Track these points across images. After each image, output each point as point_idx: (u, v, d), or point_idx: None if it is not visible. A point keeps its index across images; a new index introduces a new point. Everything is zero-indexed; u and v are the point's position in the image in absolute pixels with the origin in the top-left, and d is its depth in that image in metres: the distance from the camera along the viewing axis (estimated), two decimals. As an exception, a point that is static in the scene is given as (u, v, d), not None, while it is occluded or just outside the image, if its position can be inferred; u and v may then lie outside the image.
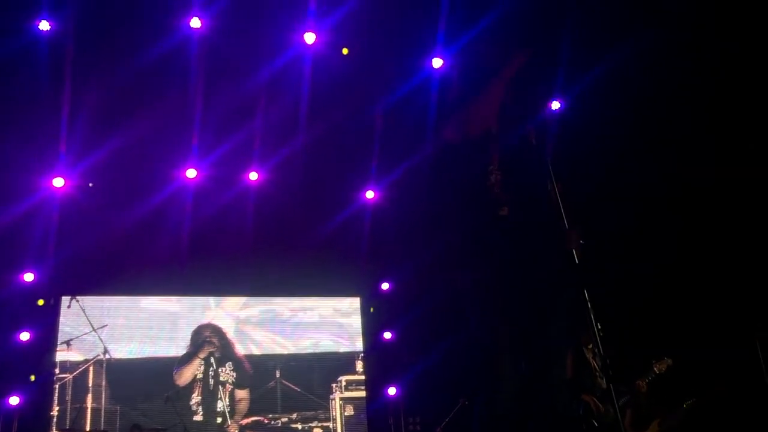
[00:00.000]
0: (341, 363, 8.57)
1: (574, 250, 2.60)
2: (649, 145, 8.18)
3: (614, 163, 8.22)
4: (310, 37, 6.74)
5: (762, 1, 6.42)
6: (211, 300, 8.24)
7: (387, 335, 8.57)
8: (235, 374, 6.18)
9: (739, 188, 8.21)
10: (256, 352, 8.10)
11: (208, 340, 5.94)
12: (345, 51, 6.92)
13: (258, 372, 7.87)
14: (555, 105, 7.77)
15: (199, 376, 5.82)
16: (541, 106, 3.00)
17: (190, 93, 6.74)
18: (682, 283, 8.35)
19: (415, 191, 7.88)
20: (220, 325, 6.22)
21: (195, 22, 6.35)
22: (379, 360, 8.64)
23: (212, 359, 5.96)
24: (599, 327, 6.60)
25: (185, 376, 5.83)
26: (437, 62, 6.87)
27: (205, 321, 6.17)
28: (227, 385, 7.13)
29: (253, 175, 8.05)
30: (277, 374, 7.91)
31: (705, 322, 8.17)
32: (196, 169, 7.71)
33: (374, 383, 8.51)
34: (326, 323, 8.78)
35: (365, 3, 6.33)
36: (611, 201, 8.71)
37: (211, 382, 5.84)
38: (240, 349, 7.83)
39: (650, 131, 8.03)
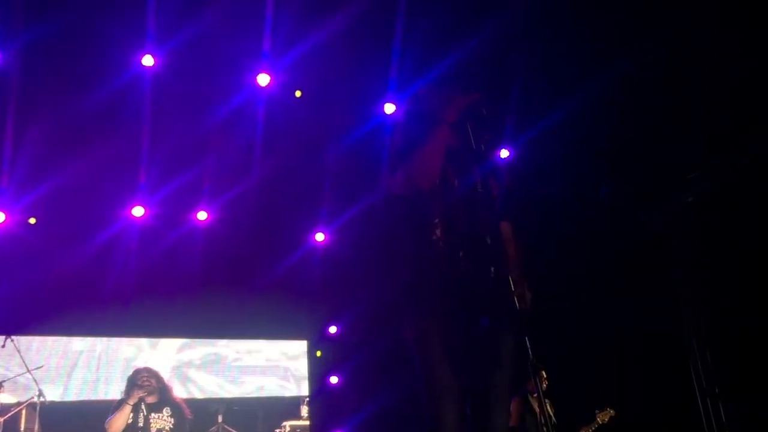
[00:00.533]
0: (286, 407, 8.42)
1: (518, 300, 2.61)
2: (598, 194, 8.40)
3: (563, 211, 8.40)
4: (263, 79, 6.74)
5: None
6: (151, 341, 8.04)
7: (333, 379, 8.46)
8: (172, 420, 5.97)
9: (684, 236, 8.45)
10: (198, 395, 7.90)
11: (144, 384, 5.73)
12: (298, 93, 6.94)
13: (199, 417, 7.65)
14: (504, 153, 7.91)
15: (132, 423, 5.60)
16: (489, 155, 3.02)
17: (140, 130, 6.65)
18: (628, 335, 8.52)
19: (366, 236, 7.89)
20: (157, 368, 6.04)
21: (147, 60, 6.29)
22: (325, 404, 8.51)
23: (143, 405, 5.75)
24: (545, 376, 6.65)
25: (117, 423, 5.61)
26: (390, 108, 6.94)
27: (142, 364, 6.00)
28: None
29: (202, 215, 7.94)
30: (219, 419, 7.71)
31: (650, 375, 8.33)
32: (143, 207, 7.56)
33: (320, 428, 8.36)
34: (272, 366, 8.64)
35: (320, 47, 6.37)
36: (560, 251, 8.88)
37: (144, 430, 5.64)
38: (179, 393, 7.62)
39: (601, 179, 8.24)
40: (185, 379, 7.95)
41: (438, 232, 2.80)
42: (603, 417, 7.03)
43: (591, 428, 7.06)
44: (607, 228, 8.94)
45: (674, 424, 8.23)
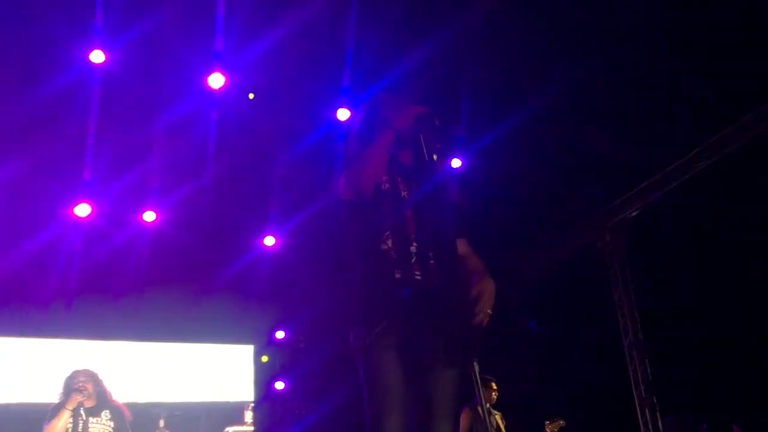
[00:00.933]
0: (229, 413, 8.30)
1: (474, 315, 2.62)
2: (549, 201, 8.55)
3: (508, 222, 8.52)
4: (216, 79, 6.65)
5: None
6: (91, 343, 7.87)
7: (279, 385, 8.40)
8: (112, 424, 5.81)
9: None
10: (139, 399, 7.74)
11: (82, 388, 5.56)
12: (251, 96, 6.89)
13: (140, 421, 7.50)
14: (456, 163, 7.98)
15: (72, 428, 5.45)
16: (440, 165, 3.02)
17: (86, 128, 6.51)
18: (573, 347, 8.69)
19: (316, 241, 7.87)
20: (97, 371, 5.87)
21: (98, 56, 6.16)
22: (269, 410, 8.44)
23: (82, 410, 5.59)
24: (495, 388, 6.72)
25: (56, 429, 5.44)
26: (343, 113, 6.93)
27: (81, 366, 5.82)
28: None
29: (150, 216, 7.79)
30: (161, 424, 7.55)
31: (594, 386, 8.51)
32: (89, 206, 7.39)
33: (264, 434, 8.30)
34: (217, 371, 8.52)
35: (272, 49, 6.33)
36: (506, 263, 9.00)
37: (82, 435, 5.49)
38: (120, 397, 7.46)
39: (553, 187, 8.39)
40: (126, 383, 7.78)
41: (389, 242, 2.80)
42: (552, 427, 7.08)
43: None
44: (549, 240, 9.11)
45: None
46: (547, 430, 7.05)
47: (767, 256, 7.65)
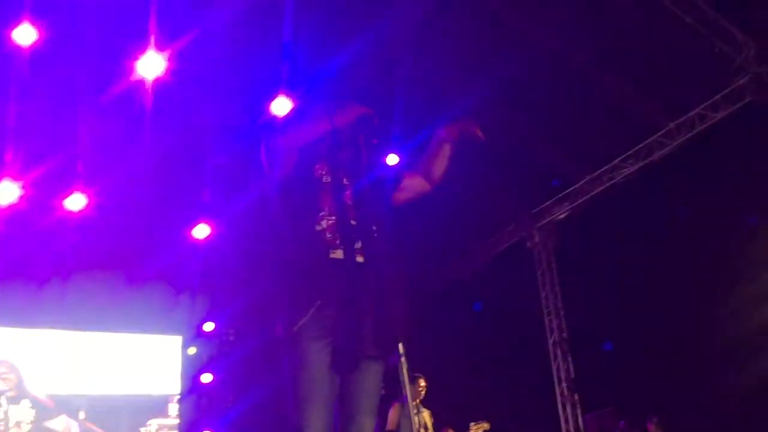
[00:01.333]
0: (153, 405, 8.15)
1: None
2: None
3: (439, 221, 8.63)
4: (150, 64, 6.50)
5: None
6: (12, 331, 7.60)
7: (206, 378, 8.28)
8: (33, 412, 5.66)
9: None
10: (60, 391, 7.53)
11: (2, 377, 5.41)
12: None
13: (60, 412, 7.31)
14: (393, 159, 8.02)
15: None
16: (377, 161, 3.06)
17: (9, 109, 6.27)
18: (501, 346, 8.86)
19: (248, 233, 7.79)
20: (17, 361, 5.69)
21: (24, 35, 5.93)
22: (195, 403, 8.32)
23: (2, 399, 5.43)
24: (423, 385, 6.77)
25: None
26: (277, 104, 6.85)
27: (1, 356, 5.63)
28: (23, 425, 6.55)
29: (78, 202, 7.53)
30: (82, 416, 7.37)
31: (519, 384, 8.70)
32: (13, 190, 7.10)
33: (189, 427, 8.16)
34: (142, 362, 8.34)
35: (209, 36, 6.24)
36: (436, 261, 9.12)
37: (2, 425, 5.30)
38: (40, 387, 7.25)
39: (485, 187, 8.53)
40: (47, 373, 7.55)
41: (324, 223, 2.80)
42: (477, 429, 7.14)
43: None
44: (479, 240, 9.27)
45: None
46: (471, 431, 7.11)
47: (690, 257, 7.98)
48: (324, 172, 2.88)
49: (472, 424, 7.15)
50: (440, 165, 3.12)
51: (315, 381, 2.62)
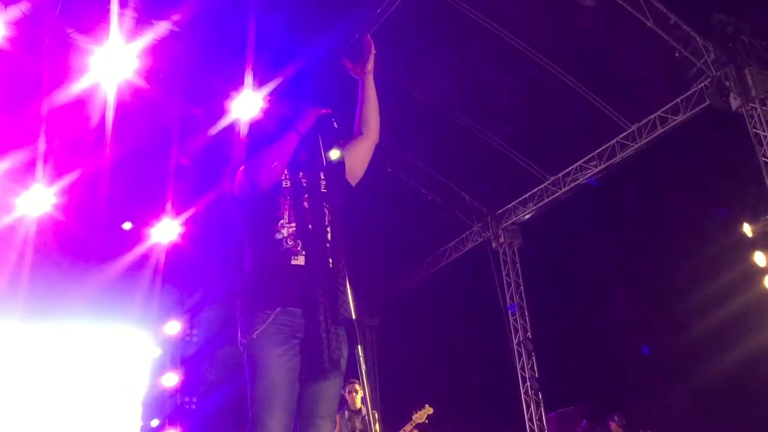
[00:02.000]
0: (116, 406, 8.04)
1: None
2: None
3: (401, 221, 8.67)
4: (113, 62, 6.42)
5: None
6: None
7: (169, 379, 8.19)
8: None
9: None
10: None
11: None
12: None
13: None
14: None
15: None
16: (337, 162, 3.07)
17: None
18: (464, 344, 8.92)
19: (212, 232, 7.74)
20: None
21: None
22: (158, 404, 8.23)
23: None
24: (358, 389, 6.67)
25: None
26: (240, 106, 6.79)
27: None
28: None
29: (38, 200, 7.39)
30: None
31: (483, 383, 8.77)
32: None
33: (152, 428, 8.07)
34: (107, 358, 8.20)
35: (173, 36, 6.19)
36: (400, 261, 9.16)
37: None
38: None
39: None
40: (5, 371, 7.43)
41: (285, 231, 2.81)
42: (420, 415, 7.05)
43: (408, 427, 7.02)
44: (444, 239, 9.30)
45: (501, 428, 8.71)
46: (414, 418, 6.98)
47: (651, 257, 8.11)
48: (284, 177, 2.90)
49: (415, 411, 6.98)
50: (368, 108, 3.07)
51: (275, 386, 2.63)
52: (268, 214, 2.84)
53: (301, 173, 2.93)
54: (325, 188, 2.94)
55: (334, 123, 2.92)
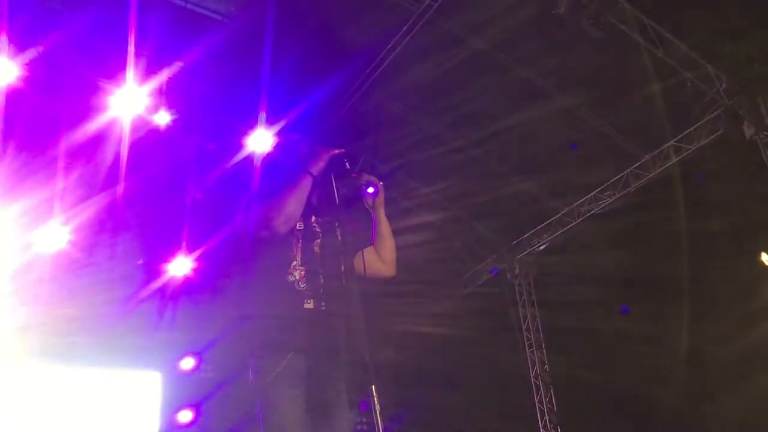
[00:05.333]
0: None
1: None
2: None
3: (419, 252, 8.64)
4: (127, 98, 6.50)
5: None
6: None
7: (185, 416, 8.14)
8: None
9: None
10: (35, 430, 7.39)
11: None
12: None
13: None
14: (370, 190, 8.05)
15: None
16: (352, 199, 3.10)
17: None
18: (484, 379, 8.85)
19: (226, 268, 7.74)
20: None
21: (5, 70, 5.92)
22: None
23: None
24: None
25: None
26: (256, 141, 6.85)
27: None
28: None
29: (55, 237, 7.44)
30: (57, 456, 7.21)
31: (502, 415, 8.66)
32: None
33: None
34: (118, 399, 8.20)
35: (189, 74, 6.28)
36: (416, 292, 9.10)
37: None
38: (12, 427, 7.12)
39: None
40: (19, 411, 7.41)
41: (297, 274, 2.82)
42: None
43: None
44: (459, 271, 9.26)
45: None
46: None
47: (669, 286, 8.02)
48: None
49: None
50: (381, 243, 3.09)
51: (289, 427, 2.62)
52: (280, 256, 2.86)
53: (314, 217, 2.94)
54: (340, 235, 2.95)
55: (347, 163, 2.93)
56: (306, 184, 2.85)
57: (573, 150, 7.59)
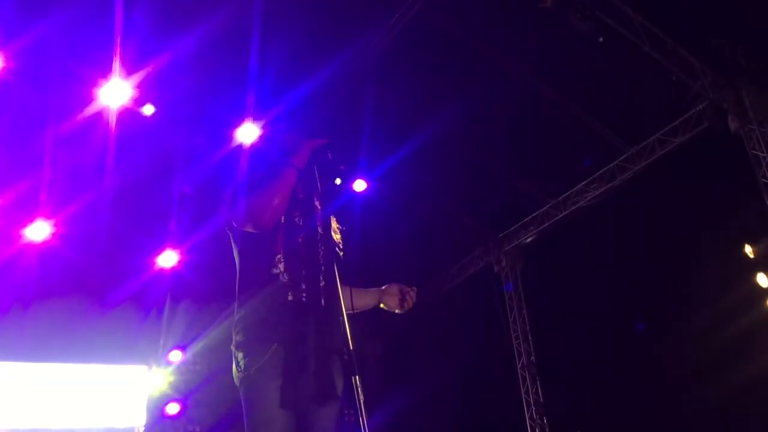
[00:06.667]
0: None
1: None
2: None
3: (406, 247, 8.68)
4: (114, 91, 6.47)
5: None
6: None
7: (172, 408, 8.15)
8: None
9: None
10: (21, 425, 7.38)
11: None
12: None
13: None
14: (360, 185, 8.06)
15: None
16: (335, 192, 3.10)
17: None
18: (472, 367, 8.87)
19: (212, 260, 7.75)
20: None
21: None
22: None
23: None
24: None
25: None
26: (243, 133, 6.86)
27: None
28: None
29: (41, 231, 7.41)
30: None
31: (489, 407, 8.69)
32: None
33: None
34: (107, 393, 8.19)
35: (176, 66, 6.25)
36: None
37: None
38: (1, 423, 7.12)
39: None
40: (8, 407, 7.39)
41: (281, 266, 2.82)
42: None
43: None
44: (446, 263, 9.29)
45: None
46: None
47: (654, 279, 8.09)
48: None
49: None
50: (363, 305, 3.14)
51: (272, 419, 2.63)
52: (265, 249, 2.85)
53: (297, 212, 2.93)
54: (322, 229, 2.95)
55: (330, 155, 2.92)
56: (289, 177, 2.84)
57: (559, 142, 7.62)
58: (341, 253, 3.02)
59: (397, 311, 3.14)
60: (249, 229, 2.85)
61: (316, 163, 2.92)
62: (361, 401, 2.63)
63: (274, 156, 3.00)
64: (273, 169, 2.88)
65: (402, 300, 3.12)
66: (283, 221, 2.88)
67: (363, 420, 2.70)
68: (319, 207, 2.99)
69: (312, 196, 2.98)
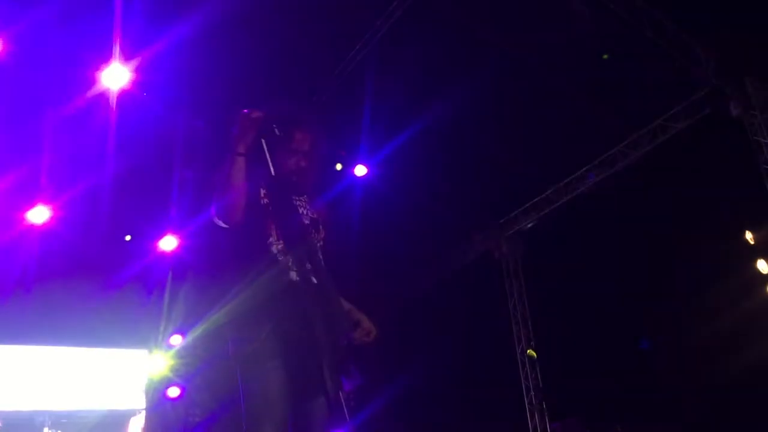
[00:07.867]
0: (119, 420, 8.04)
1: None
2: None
3: (406, 231, 8.67)
4: (114, 74, 6.44)
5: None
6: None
7: (173, 392, 8.18)
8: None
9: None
10: (23, 407, 7.41)
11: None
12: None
13: (23, 430, 7.20)
14: (361, 170, 8.04)
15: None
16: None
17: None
18: (472, 352, 8.90)
19: (212, 243, 7.74)
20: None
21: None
22: (161, 418, 8.21)
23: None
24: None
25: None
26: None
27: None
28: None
29: (41, 215, 7.41)
30: (45, 432, 7.26)
31: (489, 391, 8.73)
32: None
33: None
34: (108, 376, 8.24)
35: (173, 47, 6.20)
36: (402, 272, 9.13)
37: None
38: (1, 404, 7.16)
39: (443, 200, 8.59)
40: (8, 388, 7.43)
41: (275, 248, 2.80)
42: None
43: None
44: (446, 249, 9.28)
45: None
46: None
47: (657, 265, 8.09)
48: (262, 195, 2.86)
49: None
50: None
51: (268, 399, 2.62)
52: (255, 236, 2.82)
53: (263, 191, 2.87)
54: (304, 209, 2.92)
55: (275, 129, 2.79)
56: (234, 166, 2.70)
57: (560, 128, 7.58)
58: (322, 233, 2.98)
59: (355, 339, 2.95)
60: (223, 227, 2.81)
61: (262, 137, 2.77)
62: (356, 384, 2.63)
63: (223, 150, 2.90)
64: (222, 163, 2.80)
65: (365, 335, 2.95)
66: (265, 202, 2.84)
67: (344, 405, 2.69)
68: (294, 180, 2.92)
69: (266, 173, 2.83)
